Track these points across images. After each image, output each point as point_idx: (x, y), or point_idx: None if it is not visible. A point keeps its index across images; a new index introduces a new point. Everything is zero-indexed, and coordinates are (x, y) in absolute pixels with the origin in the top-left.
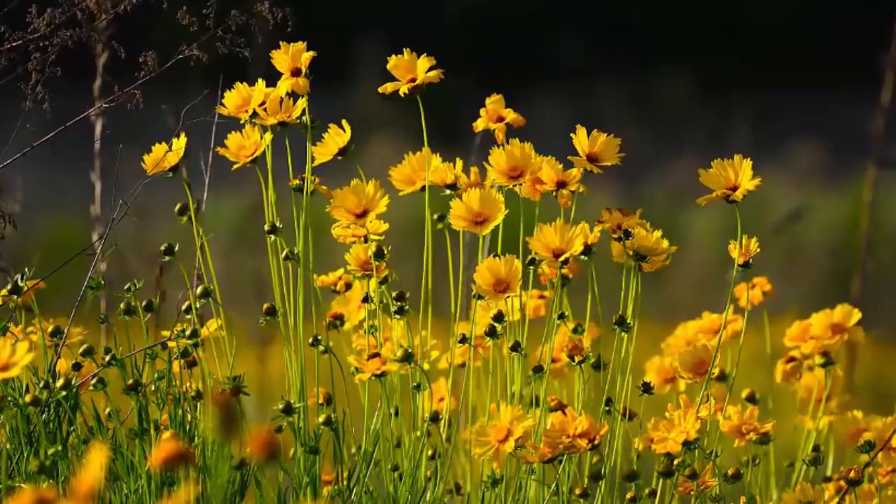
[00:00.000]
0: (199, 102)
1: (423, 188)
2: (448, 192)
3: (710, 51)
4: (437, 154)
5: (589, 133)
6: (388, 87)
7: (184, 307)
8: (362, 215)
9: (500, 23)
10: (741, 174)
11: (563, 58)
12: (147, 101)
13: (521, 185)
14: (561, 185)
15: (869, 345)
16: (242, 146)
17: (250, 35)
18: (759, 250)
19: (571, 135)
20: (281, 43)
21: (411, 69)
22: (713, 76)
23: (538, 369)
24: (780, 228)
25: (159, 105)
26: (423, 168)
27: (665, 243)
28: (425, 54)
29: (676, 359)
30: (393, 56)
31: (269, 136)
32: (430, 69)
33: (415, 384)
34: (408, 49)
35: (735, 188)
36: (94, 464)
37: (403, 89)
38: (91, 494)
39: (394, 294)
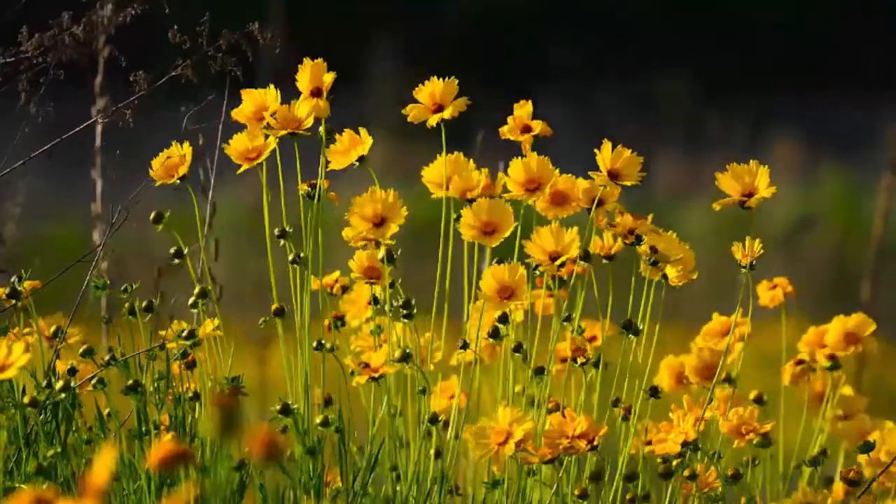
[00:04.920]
0: (206, 104)
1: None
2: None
3: (710, 51)
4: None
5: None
6: (415, 116)
7: (189, 302)
8: (380, 224)
9: (499, 25)
10: (758, 180)
11: (562, 60)
12: (155, 104)
13: (537, 198)
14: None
15: (882, 350)
16: (247, 148)
17: (243, 53)
18: (762, 251)
19: (595, 150)
20: (304, 59)
21: (435, 97)
22: (713, 77)
23: (539, 371)
24: (793, 236)
25: (165, 107)
26: (455, 172)
27: (691, 254)
28: (451, 77)
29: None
30: (420, 85)
31: (273, 140)
32: (456, 97)
33: (420, 388)
34: (436, 77)
35: (751, 194)
36: (103, 462)
37: (431, 122)
38: (99, 493)
39: (401, 301)
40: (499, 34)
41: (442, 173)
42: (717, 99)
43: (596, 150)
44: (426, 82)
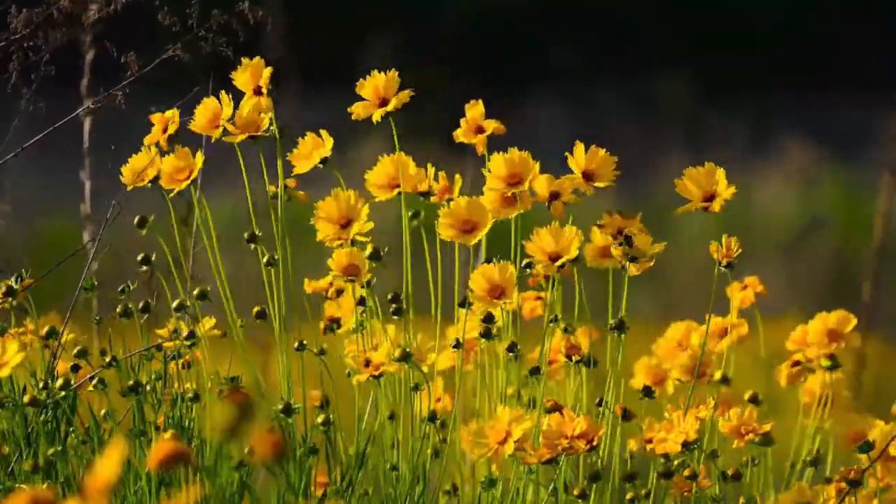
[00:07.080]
0: (195, 98)
1: (400, 195)
2: (423, 199)
3: (710, 51)
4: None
5: (587, 147)
6: (359, 113)
7: (174, 306)
8: (346, 225)
9: (499, 25)
10: (718, 183)
11: (562, 60)
12: (145, 98)
13: (519, 192)
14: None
15: (883, 351)
16: (177, 168)
17: (234, 34)
18: (741, 250)
19: (567, 154)
20: (243, 59)
21: (379, 91)
22: (713, 77)
23: (535, 371)
24: (803, 238)
25: (157, 101)
26: (399, 174)
27: (648, 244)
28: (392, 71)
29: (667, 362)
30: (361, 80)
31: (200, 157)
32: (399, 89)
33: (413, 385)
34: (377, 70)
35: (712, 197)
36: (111, 460)
37: (376, 116)
38: (107, 490)
39: (389, 296)
40: (499, 34)
41: (388, 173)
42: (717, 99)
43: (567, 154)
44: (367, 77)
